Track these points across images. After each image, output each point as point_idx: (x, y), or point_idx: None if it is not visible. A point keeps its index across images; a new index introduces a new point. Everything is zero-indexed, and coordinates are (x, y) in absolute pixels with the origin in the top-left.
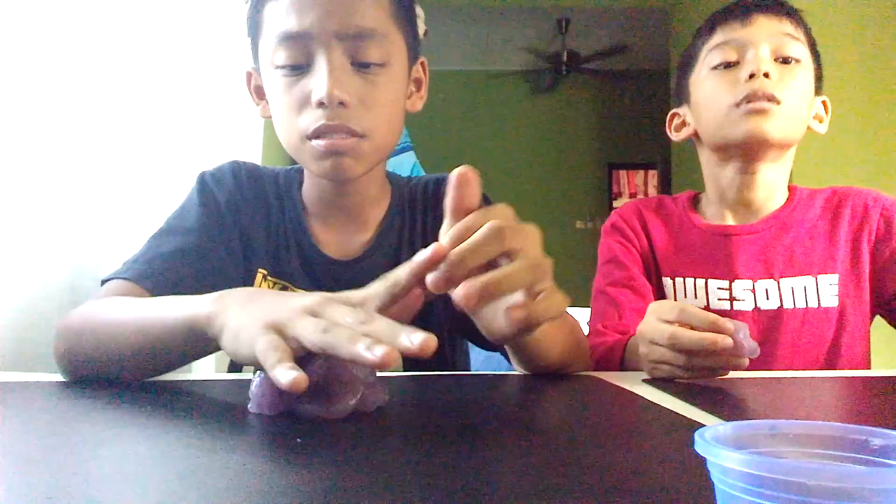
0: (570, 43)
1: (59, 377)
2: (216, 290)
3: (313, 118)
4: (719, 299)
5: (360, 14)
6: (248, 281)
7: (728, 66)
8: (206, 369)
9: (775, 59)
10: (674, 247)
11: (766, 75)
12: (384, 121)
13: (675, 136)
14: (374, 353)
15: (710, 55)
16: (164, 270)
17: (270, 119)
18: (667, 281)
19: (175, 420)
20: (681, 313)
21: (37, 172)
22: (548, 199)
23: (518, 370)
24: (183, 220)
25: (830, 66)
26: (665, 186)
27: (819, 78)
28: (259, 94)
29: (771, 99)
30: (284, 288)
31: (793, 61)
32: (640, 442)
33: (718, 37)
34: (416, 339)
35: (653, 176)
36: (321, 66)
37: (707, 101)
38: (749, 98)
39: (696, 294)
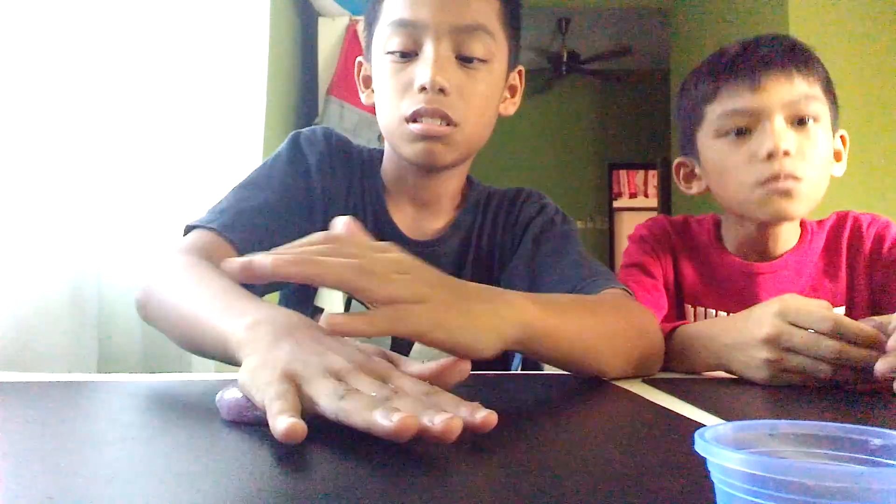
0: (570, 43)
1: (60, 377)
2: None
3: (414, 101)
4: None
5: (471, 10)
6: None
7: (740, 132)
8: (206, 369)
9: (791, 124)
10: (699, 276)
11: (786, 153)
12: (478, 114)
13: (685, 188)
14: (391, 420)
15: (718, 120)
16: (251, 226)
17: (373, 105)
18: (688, 308)
19: (175, 420)
20: (837, 325)
21: (38, 174)
22: None
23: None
24: (270, 175)
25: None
26: (665, 186)
27: (836, 116)
28: (366, 83)
29: (794, 178)
30: None
31: (810, 120)
32: (640, 442)
33: (726, 102)
34: (478, 415)
35: (653, 176)
36: (428, 54)
37: (722, 171)
38: (771, 179)
39: None
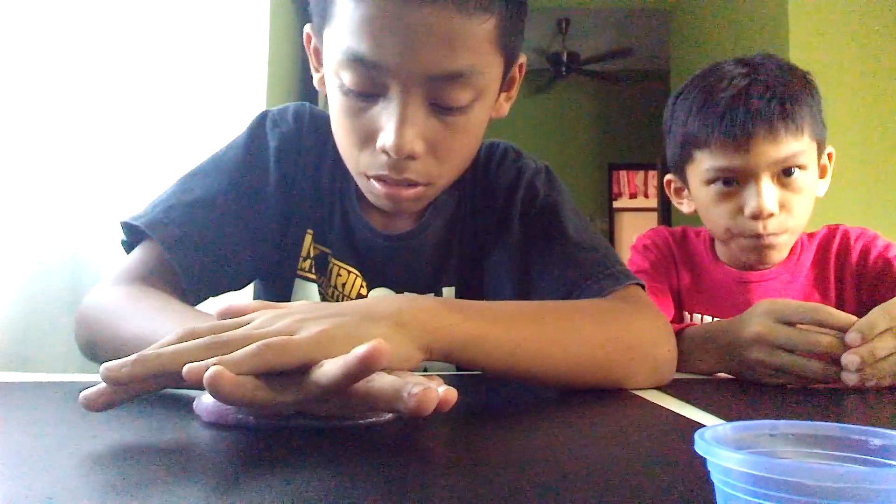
0: (570, 43)
1: (60, 377)
2: (246, 244)
3: (376, 163)
4: None
5: (454, 54)
6: (290, 242)
7: (727, 181)
8: None
9: (777, 177)
10: (695, 285)
11: (770, 215)
12: (456, 166)
13: (676, 203)
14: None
15: (706, 172)
16: (188, 221)
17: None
18: (686, 315)
19: (175, 420)
20: (816, 313)
21: (38, 172)
22: None
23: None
24: (221, 160)
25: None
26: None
27: (823, 143)
28: (318, 59)
29: (776, 235)
30: (324, 256)
31: (796, 170)
32: (640, 442)
33: (715, 157)
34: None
35: (653, 176)
36: (394, 104)
37: (709, 213)
38: (754, 237)
39: None
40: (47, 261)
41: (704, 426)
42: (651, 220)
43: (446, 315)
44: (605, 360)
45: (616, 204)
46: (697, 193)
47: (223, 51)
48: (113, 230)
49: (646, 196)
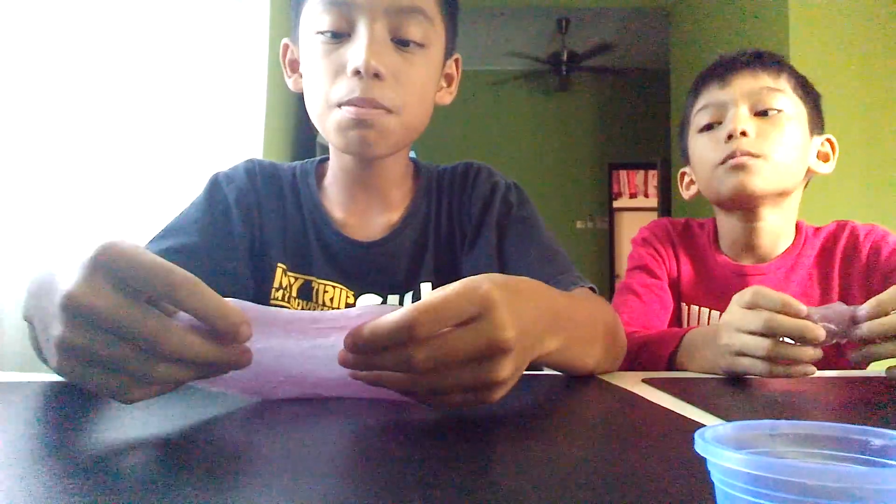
0: (570, 43)
1: (60, 377)
2: (221, 285)
3: (347, 87)
4: None
5: None
6: (261, 278)
7: (710, 127)
8: None
9: (755, 114)
10: (695, 276)
11: (743, 133)
12: (416, 100)
13: (685, 194)
14: None
15: (696, 117)
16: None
17: (300, 92)
18: (683, 306)
19: (175, 420)
20: (761, 298)
21: (41, 174)
22: (548, 199)
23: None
24: (184, 219)
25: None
26: (665, 186)
27: (816, 118)
28: (293, 66)
29: (751, 154)
30: (307, 283)
31: (773, 112)
32: (640, 442)
33: (701, 100)
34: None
35: (653, 176)
36: (361, 35)
37: (698, 162)
38: (729, 157)
39: (708, 324)
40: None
41: (704, 426)
42: (651, 219)
43: (547, 342)
44: (609, 346)
45: (616, 204)
46: (692, 152)
47: (223, 52)
48: (120, 233)
49: (646, 196)
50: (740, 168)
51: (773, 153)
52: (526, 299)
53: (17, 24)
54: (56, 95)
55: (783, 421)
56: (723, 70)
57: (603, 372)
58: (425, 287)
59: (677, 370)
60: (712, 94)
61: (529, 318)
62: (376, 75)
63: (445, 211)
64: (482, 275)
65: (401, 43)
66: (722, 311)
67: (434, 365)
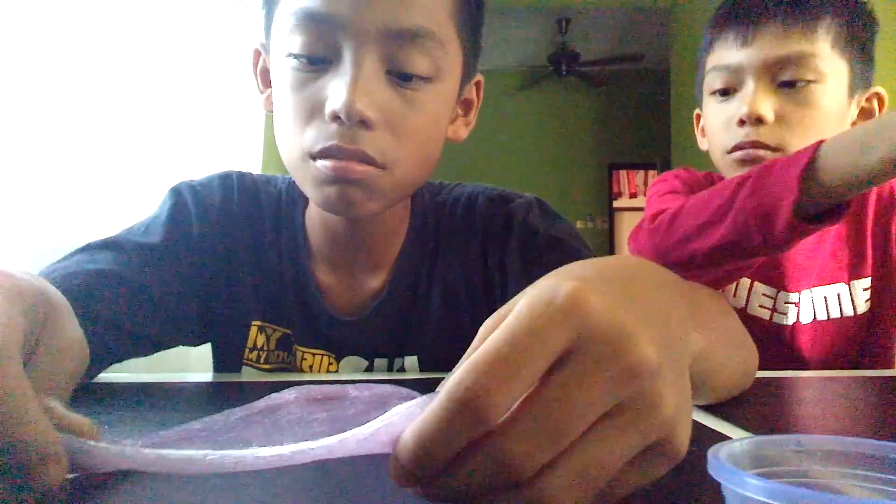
0: (571, 43)
1: None
2: (155, 332)
3: (324, 134)
4: (760, 306)
5: (410, 11)
6: (229, 335)
7: (724, 91)
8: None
9: (779, 85)
10: None
11: (759, 120)
12: (415, 152)
13: (701, 143)
14: None
15: (708, 76)
16: (78, 287)
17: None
18: None
19: (175, 419)
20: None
21: (41, 173)
22: (548, 200)
23: None
24: (133, 234)
25: None
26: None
27: (863, 70)
28: (265, 79)
29: (767, 147)
30: (287, 336)
31: (801, 84)
32: None
33: (715, 55)
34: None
35: (653, 176)
36: (346, 67)
37: (709, 131)
38: (740, 146)
39: (735, 293)
40: (50, 262)
41: (707, 426)
42: None
43: (693, 339)
44: (749, 348)
45: (616, 204)
46: (704, 113)
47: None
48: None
49: (646, 195)
50: (751, 164)
51: (794, 145)
52: (642, 279)
53: (18, 25)
54: (56, 99)
55: (810, 436)
56: (745, 19)
57: (742, 389)
58: (410, 362)
59: (817, 192)
60: (728, 53)
61: (657, 306)
62: (363, 122)
63: (451, 259)
64: (550, 274)
65: (400, 77)
66: (754, 280)
67: (549, 444)
